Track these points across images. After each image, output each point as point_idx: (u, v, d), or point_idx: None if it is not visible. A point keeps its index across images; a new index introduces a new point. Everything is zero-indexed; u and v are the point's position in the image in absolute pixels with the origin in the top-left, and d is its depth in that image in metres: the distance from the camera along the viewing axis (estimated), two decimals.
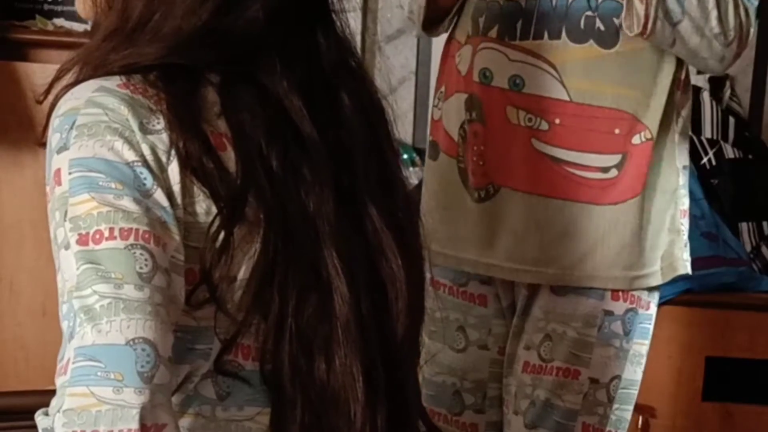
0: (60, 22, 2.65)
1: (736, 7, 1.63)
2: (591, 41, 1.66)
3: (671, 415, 2.43)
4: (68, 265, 0.96)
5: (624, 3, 1.60)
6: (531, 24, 1.68)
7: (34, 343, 2.62)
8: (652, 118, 1.69)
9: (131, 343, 0.93)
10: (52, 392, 0.99)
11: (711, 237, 2.50)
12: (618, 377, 1.75)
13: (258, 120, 1.01)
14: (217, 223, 0.98)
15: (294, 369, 1.00)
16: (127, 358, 0.93)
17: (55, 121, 1.00)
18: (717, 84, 2.83)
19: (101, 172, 0.96)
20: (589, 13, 1.66)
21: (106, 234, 0.95)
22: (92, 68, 1.04)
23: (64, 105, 1.01)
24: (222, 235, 0.98)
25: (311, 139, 1.03)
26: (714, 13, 1.61)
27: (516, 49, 1.68)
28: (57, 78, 1.05)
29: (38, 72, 2.49)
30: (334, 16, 1.10)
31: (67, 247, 0.96)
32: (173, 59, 1.02)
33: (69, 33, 2.59)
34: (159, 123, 0.99)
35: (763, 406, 2.49)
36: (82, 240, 0.95)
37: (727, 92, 2.84)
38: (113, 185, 0.96)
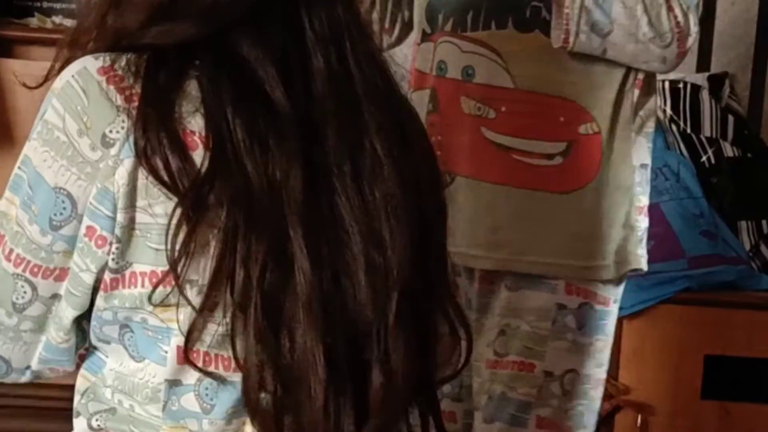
0: (59, 19, 2.65)
1: (670, 9, 1.65)
2: (536, 30, 1.70)
3: (670, 414, 2.43)
4: None
5: (554, 12, 1.63)
6: (480, 15, 1.73)
7: None
8: (600, 110, 1.72)
9: None
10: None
11: (710, 235, 2.50)
12: (574, 371, 1.77)
13: (227, 90, 1.01)
14: (176, 218, 0.99)
15: (262, 342, 1.00)
16: None
17: (46, 95, 1.04)
18: (716, 82, 2.83)
19: (31, 188, 1.03)
20: (535, 2, 1.70)
21: (6, 252, 1.04)
22: (84, 46, 1.06)
23: (54, 81, 1.04)
24: (184, 230, 0.99)
25: (281, 110, 1.02)
26: (644, 19, 1.64)
27: (468, 40, 1.74)
28: (53, 67, 1.07)
29: (37, 70, 2.49)
30: None
31: None
32: (162, 38, 1.03)
33: (68, 31, 2.58)
34: (123, 127, 1.00)
35: (762, 405, 2.49)
36: None
37: (727, 91, 2.84)
38: (33, 207, 1.02)
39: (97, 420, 1.09)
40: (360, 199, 1.04)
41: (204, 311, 1.01)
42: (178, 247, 0.99)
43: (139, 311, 1.03)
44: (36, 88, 1.09)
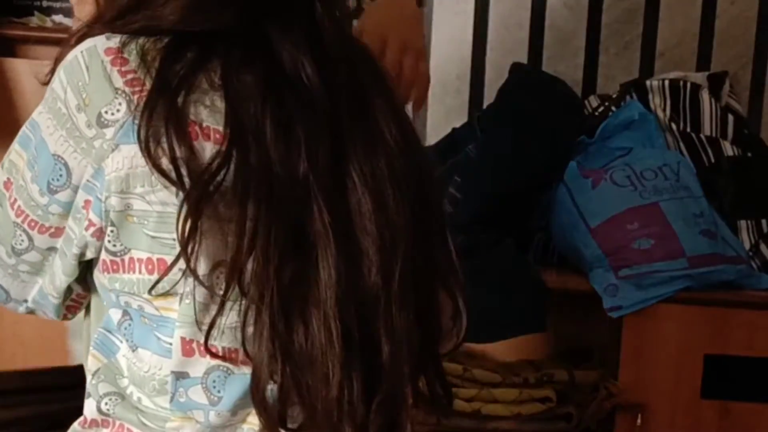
0: (59, 18, 2.64)
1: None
2: None
3: (670, 413, 2.43)
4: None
5: None
6: None
7: (33, 340, 2.61)
8: None
9: None
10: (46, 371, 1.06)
11: (710, 235, 2.49)
12: None
13: (256, 81, 1.03)
14: (184, 210, 1.00)
15: (274, 332, 1.00)
16: None
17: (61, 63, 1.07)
18: (716, 81, 2.83)
19: (36, 149, 1.06)
20: None
21: (11, 200, 1.09)
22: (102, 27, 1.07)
23: (71, 51, 1.06)
24: (189, 222, 0.99)
25: (312, 96, 1.04)
26: None
27: None
28: (70, 39, 1.09)
29: (37, 69, 2.49)
30: None
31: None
32: (188, 25, 1.04)
33: (68, 30, 2.58)
34: (119, 110, 1.02)
35: (762, 404, 2.49)
36: (6, 184, 1.10)
37: (726, 90, 2.84)
38: (35, 168, 1.07)
39: (106, 404, 1.10)
40: (370, 168, 1.06)
41: (214, 302, 1.01)
42: (186, 238, 0.99)
43: (137, 298, 1.04)
44: (47, 82, 1.10)
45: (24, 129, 1.08)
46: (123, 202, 1.02)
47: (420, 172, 1.11)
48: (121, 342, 1.08)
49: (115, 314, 1.08)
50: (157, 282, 1.02)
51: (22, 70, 2.55)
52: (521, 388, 2.40)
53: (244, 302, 1.01)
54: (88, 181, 1.04)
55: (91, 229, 1.05)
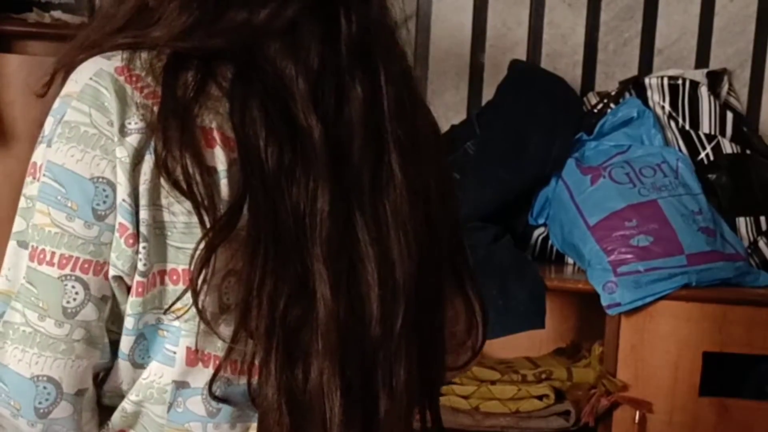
0: (57, 14, 2.64)
1: None
2: None
3: (668, 410, 2.43)
4: (18, 266, 1.00)
5: None
6: None
7: None
8: None
9: (35, 379, 0.99)
10: None
11: (708, 232, 2.49)
12: None
13: (261, 116, 0.99)
14: (204, 241, 0.97)
15: (279, 378, 0.99)
16: (28, 392, 0.99)
17: (56, 102, 1.01)
18: (715, 79, 2.83)
19: (63, 186, 0.98)
20: None
21: (48, 257, 0.98)
22: (97, 48, 1.02)
23: (66, 86, 1.01)
24: (205, 251, 0.97)
25: (312, 135, 1.00)
26: None
27: None
28: (59, 67, 1.05)
29: (34, 64, 2.48)
30: None
31: (24, 246, 1.00)
32: (185, 44, 1.00)
33: (66, 25, 2.58)
34: (139, 121, 0.98)
35: (760, 402, 2.49)
36: (32, 255, 0.99)
37: (725, 87, 2.84)
38: (69, 204, 0.98)
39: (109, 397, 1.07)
40: (373, 213, 1.02)
41: (222, 316, 1.00)
42: (200, 275, 0.97)
43: (155, 311, 1.02)
44: (43, 95, 1.05)
45: (41, 183, 1.00)
46: (151, 215, 0.99)
47: (428, 199, 1.06)
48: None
49: (126, 343, 1.03)
50: (170, 306, 1.00)
51: (20, 65, 2.55)
52: (519, 385, 2.40)
53: (246, 340, 0.99)
54: (124, 199, 0.99)
55: (125, 234, 0.99)
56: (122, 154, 0.98)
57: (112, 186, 0.98)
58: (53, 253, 0.98)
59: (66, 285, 0.98)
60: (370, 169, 1.03)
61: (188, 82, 0.99)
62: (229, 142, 0.99)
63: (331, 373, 0.99)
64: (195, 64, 1.00)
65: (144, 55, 1.00)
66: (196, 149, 0.98)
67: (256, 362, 0.99)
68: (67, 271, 0.98)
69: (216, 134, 0.99)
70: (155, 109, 0.98)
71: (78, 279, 0.99)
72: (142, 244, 0.99)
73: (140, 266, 1.00)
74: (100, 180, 0.98)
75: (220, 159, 0.99)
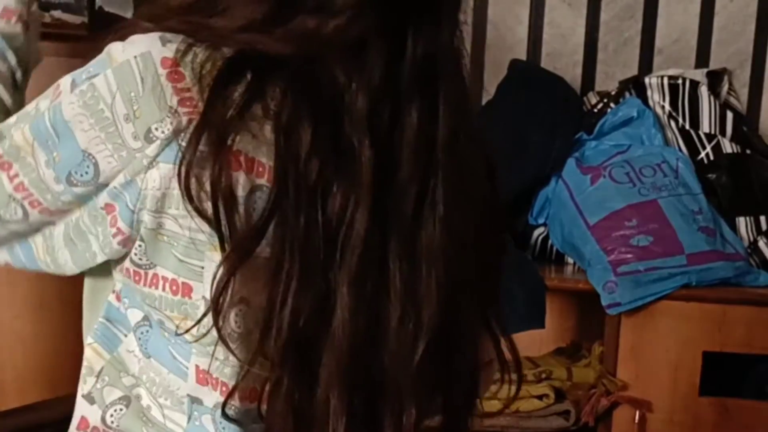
0: (57, 14, 2.64)
1: None
2: None
3: (668, 410, 2.43)
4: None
5: None
6: None
7: (31, 336, 2.61)
8: None
9: None
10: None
11: (708, 232, 2.50)
12: None
13: (309, 129, 0.95)
14: (221, 272, 0.96)
15: (289, 397, 0.98)
16: None
17: (102, 54, 0.99)
18: (715, 78, 2.83)
19: (58, 137, 0.98)
20: None
21: (11, 173, 1.01)
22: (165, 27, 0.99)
23: (114, 45, 0.98)
24: (225, 274, 0.96)
25: (361, 157, 0.96)
26: None
27: None
28: (121, 28, 1.01)
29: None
30: (439, 16, 0.99)
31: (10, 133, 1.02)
32: (247, 39, 0.96)
33: (66, 25, 2.58)
34: (168, 129, 0.96)
35: (760, 402, 2.49)
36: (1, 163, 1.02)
37: (725, 87, 2.84)
38: (54, 154, 0.99)
39: (111, 415, 1.07)
40: (409, 244, 0.99)
41: (247, 374, 0.99)
42: (219, 295, 0.96)
43: (158, 312, 1.01)
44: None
45: (37, 111, 1.00)
46: (156, 221, 0.97)
47: (464, 243, 1.02)
48: (126, 336, 1.05)
49: (134, 315, 1.04)
50: (188, 330, 0.99)
51: None
52: None
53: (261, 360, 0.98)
54: (115, 187, 0.98)
55: (119, 237, 0.99)
56: (139, 156, 0.97)
57: (97, 168, 0.98)
58: (17, 175, 1.01)
59: (11, 204, 1.02)
60: (414, 200, 0.99)
61: (235, 99, 0.95)
62: (254, 167, 0.97)
63: (339, 398, 0.98)
64: (247, 77, 0.96)
65: (200, 53, 0.97)
66: (224, 171, 0.95)
67: (267, 387, 0.98)
68: (19, 196, 1.01)
69: (242, 158, 0.96)
70: (185, 120, 0.95)
71: (22, 207, 1.02)
72: (138, 243, 0.99)
73: (134, 258, 1.00)
74: (90, 157, 0.98)
75: (241, 184, 0.96)
